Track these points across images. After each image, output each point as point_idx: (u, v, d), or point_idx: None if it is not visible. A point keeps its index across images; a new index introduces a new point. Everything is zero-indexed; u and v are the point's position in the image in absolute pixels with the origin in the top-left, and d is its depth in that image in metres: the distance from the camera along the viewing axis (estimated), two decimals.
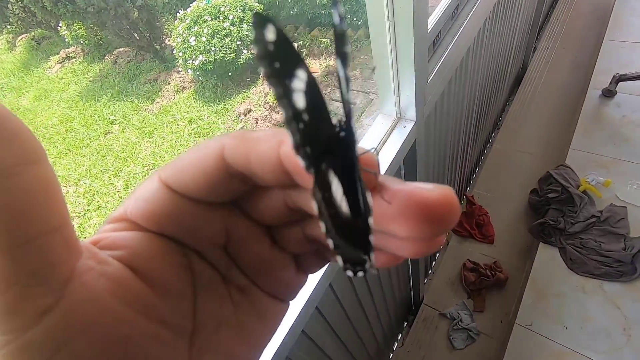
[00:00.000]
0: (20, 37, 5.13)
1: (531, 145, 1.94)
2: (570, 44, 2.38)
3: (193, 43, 3.22)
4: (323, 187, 0.12)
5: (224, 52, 3.20)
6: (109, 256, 0.14)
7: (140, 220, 0.15)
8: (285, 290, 0.17)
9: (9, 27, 5.02)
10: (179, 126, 3.52)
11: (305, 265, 0.17)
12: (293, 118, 0.12)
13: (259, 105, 3.37)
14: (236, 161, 0.13)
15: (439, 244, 0.12)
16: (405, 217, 0.11)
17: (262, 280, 0.17)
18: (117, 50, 4.49)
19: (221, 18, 3.24)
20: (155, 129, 3.54)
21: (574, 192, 1.49)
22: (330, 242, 0.13)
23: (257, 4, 3.45)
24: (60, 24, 4.03)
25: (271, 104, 3.26)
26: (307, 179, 0.13)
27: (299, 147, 0.12)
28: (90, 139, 3.59)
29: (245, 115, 3.37)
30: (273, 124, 3.21)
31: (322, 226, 0.13)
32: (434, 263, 1.67)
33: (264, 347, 0.17)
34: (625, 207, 1.44)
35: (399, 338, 1.53)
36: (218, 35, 3.20)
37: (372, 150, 0.13)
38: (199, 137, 3.36)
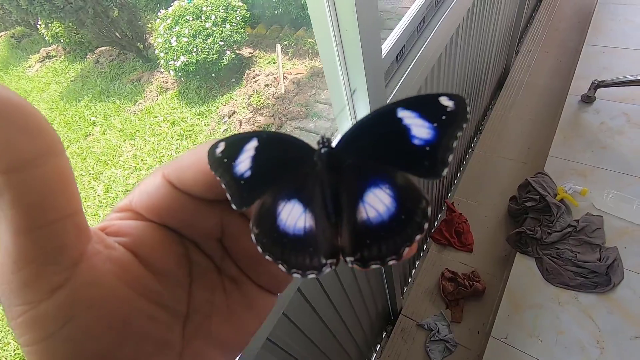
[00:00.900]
0: None
1: (512, 151, 1.93)
2: (552, 48, 2.37)
3: (174, 43, 3.15)
4: None
5: (206, 52, 3.13)
6: (115, 242, 0.15)
7: (143, 212, 0.16)
8: (275, 283, 0.19)
9: None
10: (161, 128, 3.45)
11: None
12: None
13: (243, 107, 3.32)
14: None
15: None
16: None
17: (253, 273, 0.18)
18: (99, 49, 4.39)
19: (203, 18, 3.17)
20: (137, 130, 3.47)
21: (551, 200, 1.47)
22: None
23: (240, 4, 3.38)
24: (39, 22, 3.92)
25: (255, 106, 3.21)
26: None
27: None
28: (70, 141, 3.51)
29: (229, 118, 3.32)
30: (257, 126, 3.17)
31: None
32: (413, 271, 1.65)
33: (252, 335, 0.19)
34: (602, 216, 1.44)
35: (377, 349, 1.51)
36: (200, 36, 3.13)
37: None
38: (182, 139, 3.30)
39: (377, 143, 0.16)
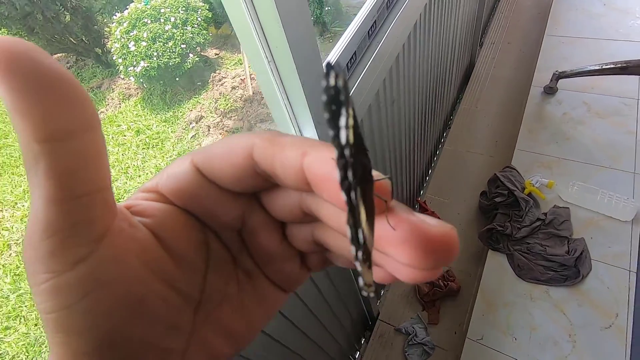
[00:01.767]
0: None
1: (481, 146, 1.93)
2: (515, 39, 2.39)
3: (133, 48, 3.00)
4: (354, 214, 0.13)
5: (168, 56, 3.00)
6: (139, 222, 0.15)
7: (169, 195, 0.16)
8: (287, 282, 0.19)
9: None
10: (125, 137, 3.30)
11: (309, 263, 0.19)
12: (340, 156, 0.12)
13: (211, 112, 3.21)
14: (262, 161, 0.15)
15: (434, 275, 0.13)
16: (406, 245, 0.12)
17: (268, 269, 0.18)
18: (55, 56, 4.14)
19: (162, 20, 3.03)
20: None
21: (520, 195, 1.48)
22: (357, 265, 0.13)
23: (201, 4, 3.26)
24: None
25: (222, 110, 3.11)
26: (325, 191, 0.13)
27: (342, 182, 0.12)
28: None
29: (196, 123, 3.20)
30: (225, 130, 3.07)
31: (353, 249, 0.13)
32: None
33: (260, 329, 0.19)
34: (568, 208, 1.45)
35: (357, 356, 1.48)
36: (160, 39, 2.99)
37: (387, 178, 0.14)
38: (148, 148, 3.17)
39: None
